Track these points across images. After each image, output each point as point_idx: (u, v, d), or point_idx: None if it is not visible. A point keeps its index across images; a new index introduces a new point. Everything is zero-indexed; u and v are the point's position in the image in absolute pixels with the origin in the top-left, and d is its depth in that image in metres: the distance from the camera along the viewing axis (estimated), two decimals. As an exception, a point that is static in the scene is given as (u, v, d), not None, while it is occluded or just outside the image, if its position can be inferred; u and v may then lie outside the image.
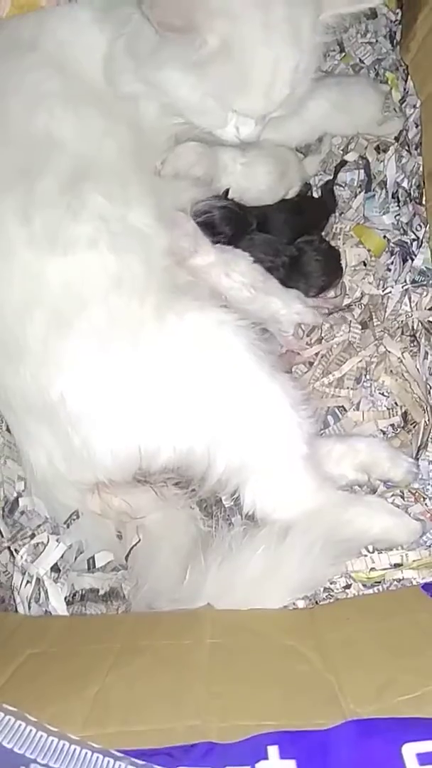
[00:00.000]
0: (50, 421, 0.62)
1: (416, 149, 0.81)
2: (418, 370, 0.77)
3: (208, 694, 0.44)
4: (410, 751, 0.34)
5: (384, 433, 0.76)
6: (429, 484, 0.70)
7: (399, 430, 0.76)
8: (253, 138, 0.69)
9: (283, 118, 0.71)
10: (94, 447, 0.62)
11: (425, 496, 0.69)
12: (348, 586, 0.67)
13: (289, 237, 0.78)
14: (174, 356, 0.60)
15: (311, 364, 0.80)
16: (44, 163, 0.61)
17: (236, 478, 0.65)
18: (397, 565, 0.67)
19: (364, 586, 0.67)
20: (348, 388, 0.78)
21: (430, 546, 0.67)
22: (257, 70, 0.62)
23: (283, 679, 0.48)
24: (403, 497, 0.70)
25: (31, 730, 0.32)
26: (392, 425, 0.76)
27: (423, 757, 0.34)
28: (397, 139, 0.83)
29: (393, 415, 0.77)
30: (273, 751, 0.35)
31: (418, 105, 0.81)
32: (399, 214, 0.80)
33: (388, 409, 0.77)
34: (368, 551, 0.68)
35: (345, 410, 0.78)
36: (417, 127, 0.81)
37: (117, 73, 0.66)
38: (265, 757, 0.35)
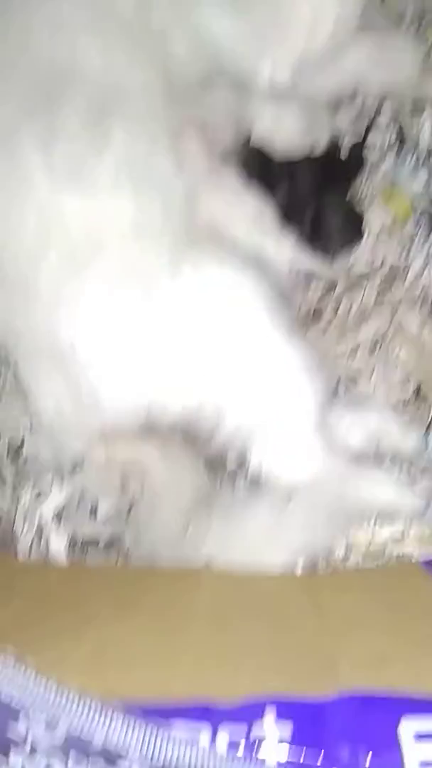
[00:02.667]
0: (60, 366, 0.61)
1: (454, 113, 0.78)
2: (434, 343, 0.75)
3: (203, 653, 0.45)
4: (407, 729, 0.35)
5: (394, 406, 0.75)
6: (434, 462, 0.70)
7: (410, 405, 0.75)
8: (286, 83, 0.66)
9: (316, 69, 0.68)
10: (102, 395, 0.61)
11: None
12: (347, 557, 0.67)
13: (313, 195, 0.75)
14: (187, 310, 0.59)
15: (325, 330, 0.79)
16: (69, 92, 0.58)
17: (245, 438, 0.64)
18: (397, 540, 0.68)
19: (363, 558, 0.68)
20: (361, 358, 0.77)
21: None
22: (298, 13, 0.60)
23: (280, 642, 0.48)
24: (408, 473, 0.69)
25: (29, 677, 0.32)
26: (403, 401, 0.76)
27: (420, 737, 0.34)
28: (434, 100, 0.80)
29: (405, 390, 0.76)
30: (270, 711, 0.36)
31: (458, 66, 0.78)
32: (430, 183, 0.77)
33: (400, 382, 0.76)
34: (370, 524, 0.68)
35: (357, 380, 0.77)
36: (456, 89, 0.78)
37: (151, 7, 0.62)
38: (261, 717, 0.35)
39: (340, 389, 0.76)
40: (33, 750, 0.29)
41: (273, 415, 0.63)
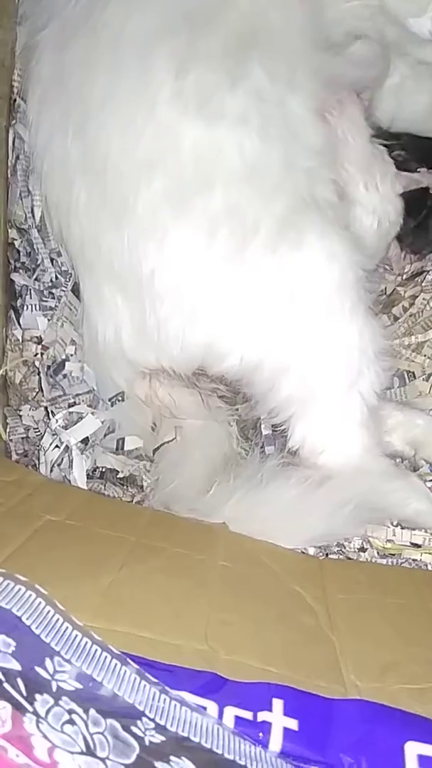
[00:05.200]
0: (132, 294, 0.59)
1: None
2: None
3: (215, 620, 0.44)
4: (412, 750, 0.34)
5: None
6: (472, 478, 0.68)
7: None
8: None
9: None
10: (168, 332, 0.60)
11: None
12: (363, 549, 0.66)
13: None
14: (275, 278, 0.57)
15: (396, 318, 0.75)
16: (214, 15, 0.54)
17: (295, 409, 0.63)
18: (416, 545, 0.67)
19: (378, 553, 0.67)
20: (425, 355, 0.74)
21: (455, 538, 0.66)
22: None
23: (288, 627, 0.47)
24: (443, 486, 0.68)
25: (58, 620, 0.32)
26: (456, 406, 0.73)
27: (424, 760, 0.34)
28: None
29: (460, 397, 0.73)
30: (277, 705, 0.35)
31: None
32: None
33: (458, 389, 0.73)
34: (392, 524, 0.67)
35: (414, 377, 0.74)
36: None
37: None
38: (269, 709, 0.35)
39: (395, 381, 0.74)
40: (60, 692, 0.28)
41: (330, 393, 0.62)
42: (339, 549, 0.67)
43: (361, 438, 0.64)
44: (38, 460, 0.67)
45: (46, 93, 0.61)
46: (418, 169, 0.68)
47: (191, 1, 0.55)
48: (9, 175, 0.70)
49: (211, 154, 0.54)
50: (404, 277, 0.75)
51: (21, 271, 0.72)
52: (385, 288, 0.76)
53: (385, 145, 0.67)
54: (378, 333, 0.63)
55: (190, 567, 0.52)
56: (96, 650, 0.32)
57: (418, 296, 0.75)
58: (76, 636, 0.32)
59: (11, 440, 0.68)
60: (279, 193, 0.55)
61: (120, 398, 0.68)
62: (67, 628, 0.32)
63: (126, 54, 0.55)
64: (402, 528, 0.67)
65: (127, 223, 0.56)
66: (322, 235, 0.57)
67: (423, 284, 0.75)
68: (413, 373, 0.74)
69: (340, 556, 0.66)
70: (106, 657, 0.31)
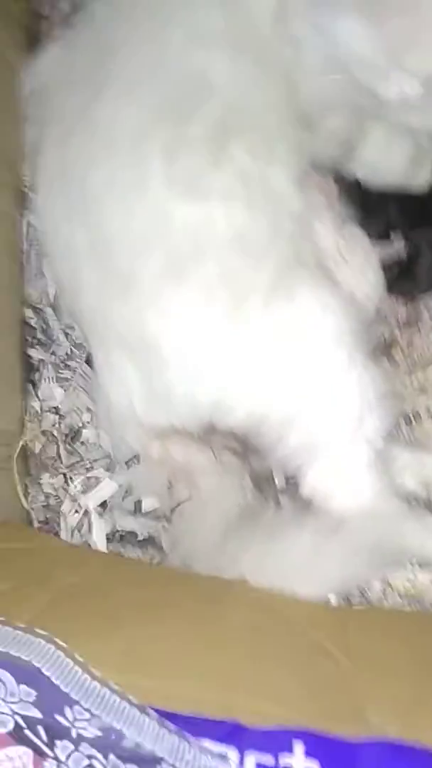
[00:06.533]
0: (140, 360, 0.62)
1: None
2: None
3: (235, 670, 0.45)
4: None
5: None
6: None
7: (470, 452, 0.74)
8: (415, 100, 0.65)
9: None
10: (176, 392, 0.63)
11: None
12: (384, 594, 0.66)
13: (407, 229, 0.74)
14: (272, 331, 0.60)
15: (397, 361, 0.78)
16: (197, 103, 0.59)
17: (304, 456, 0.65)
18: (437, 587, 0.67)
19: (400, 597, 0.67)
20: (428, 396, 0.76)
21: (474, 577, 0.66)
22: None
23: (309, 674, 0.48)
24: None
25: (77, 671, 0.33)
26: (464, 446, 0.74)
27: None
28: None
29: (467, 436, 0.74)
30: (298, 747, 0.36)
31: None
32: None
33: (464, 428, 0.74)
34: (411, 564, 0.67)
35: (420, 418, 0.76)
36: None
37: (287, 15, 0.62)
38: (290, 751, 0.35)
39: (402, 424, 0.75)
40: (80, 738, 0.30)
41: (337, 439, 0.63)
42: (361, 595, 0.67)
43: (371, 481, 0.65)
44: (59, 526, 0.69)
45: (52, 185, 0.67)
46: (392, 237, 0.72)
47: (176, 92, 0.60)
48: (24, 261, 0.76)
49: (201, 227, 0.59)
50: (401, 321, 0.78)
51: (37, 346, 0.76)
52: (383, 333, 0.79)
53: (367, 216, 0.71)
54: (378, 378, 0.65)
55: (209, 620, 0.52)
56: (115, 700, 0.33)
57: (415, 338, 0.77)
58: (95, 687, 0.33)
59: (32, 509, 0.71)
60: (268, 256, 0.59)
61: (135, 461, 0.70)
62: (86, 679, 0.33)
63: (119, 146, 0.60)
64: (421, 568, 0.67)
65: (131, 295, 0.60)
66: (313, 289, 0.61)
67: (420, 325, 0.77)
68: (419, 413, 0.76)
69: (362, 601, 0.67)
70: (125, 707, 0.33)
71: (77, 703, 0.31)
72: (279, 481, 0.73)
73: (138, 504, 0.73)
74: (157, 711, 0.36)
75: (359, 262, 0.68)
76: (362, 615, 0.62)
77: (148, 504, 0.72)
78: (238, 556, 0.64)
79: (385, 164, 0.72)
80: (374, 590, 0.66)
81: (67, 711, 0.31)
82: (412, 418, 0.75)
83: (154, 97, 0.60)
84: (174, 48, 0.60)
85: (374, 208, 0.73)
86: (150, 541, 0.72)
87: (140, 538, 0.72)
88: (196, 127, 0.59)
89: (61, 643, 0.35)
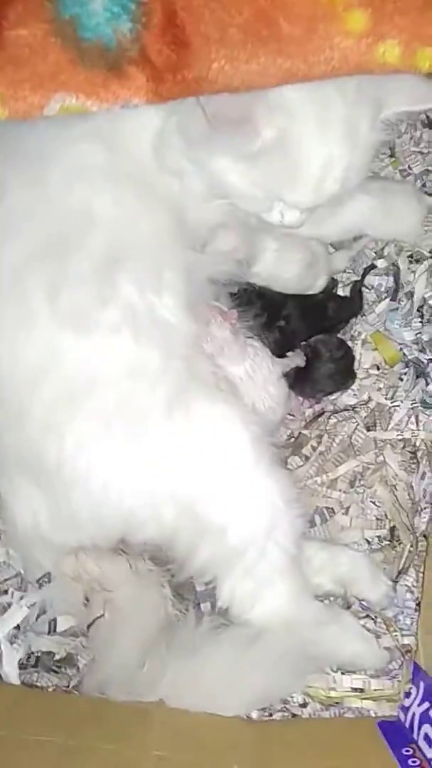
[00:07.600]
0: (43, 483, 0.62)
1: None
2: (413, 488, 0.76)
3: None
4: None
5: (369, 543, 0.75)
6: (401, 613, 0.69)
7: (384, 543, 0.75)
8: (297, 225, 0.69)
9: (321, 214, 0.71)
10: (83, 514, 0.62)
11: (396, 628, 0.68)
12: (305, 704, 0.66)
13: (306, 333, 0.78)
14: (174, 447, 0.60)
15: (307, 458, 0.79)
16: (80, 239, 0.60)
17: (217, 569, 0.64)
18: (357, 690, 0.66)
19: (321, 705, 0.66)
20: (340, 490, 0.77)
21: (393, 677, 0.66)
22: (309, 166, 0.62)
23: None
24: (375, 622, 0.69)
25: None
26: (378, 537, 0.75)
27: None
28: (432, 252, 0.83)
29: (381, 527, 0.75)
30: None
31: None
32: (420, 332, 0.79)
33: (377, 519, 0.76)
34: (332, 670, 0.67)
35: (333, 512, 0.77)
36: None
37: (165, 150, 0.65)
38: None
39: (316, 519, 0.76)
40: None
41: (250, 549, 0.63)
42: (282, 707, 0.66)
43: (287, 588, 0.65)
44: (-33, 657, 0.66)
45: None
46: (287, 354, 0.76)
47: (59, 226, 0.61)
48: None
49: (91, 360, 0.59)
50: (307, 420, 0.80)
51: None
52: (292, 432, 0.81)
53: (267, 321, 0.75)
54: (286, 483, 0.65)
55: (123, 758, 0.50)
56: None
57: (323, 435, 0.79)
58: None
59: None
60: (161, 381, 0.60)
61: (47, 579, 0.68)
62: None
63: (2, 284, 0.60)
64: (342, 673, 0.67)
65: (26, 424, 0.60)
66: (211, 403, 0.62)
67: (327, 424, 0.79)
68: (332, 509, 0.77)
69: (285, 714, 0.66)
70: None
71: None
72: (199, 587, 0.72)
73: (53, 623, 0.70)
74: None
75: (262, 378, 0.71)
76: (282, 729, 0.62)
77: (63, 622, 0.70)
78: (154, 679, 0.62)
79: (281, 276, 0.75)
80: (295, 700, 0.66)
81: None
82: (326, 514, 0.76)
83: (37, 234, 0.61)
84: (55, 184, 0.61)
85: (274, 314, 0.76)
86: (67, 660, 0.70)
87: (57, 657, 0.69)
88: (80, 260, 0.60)
89: None
